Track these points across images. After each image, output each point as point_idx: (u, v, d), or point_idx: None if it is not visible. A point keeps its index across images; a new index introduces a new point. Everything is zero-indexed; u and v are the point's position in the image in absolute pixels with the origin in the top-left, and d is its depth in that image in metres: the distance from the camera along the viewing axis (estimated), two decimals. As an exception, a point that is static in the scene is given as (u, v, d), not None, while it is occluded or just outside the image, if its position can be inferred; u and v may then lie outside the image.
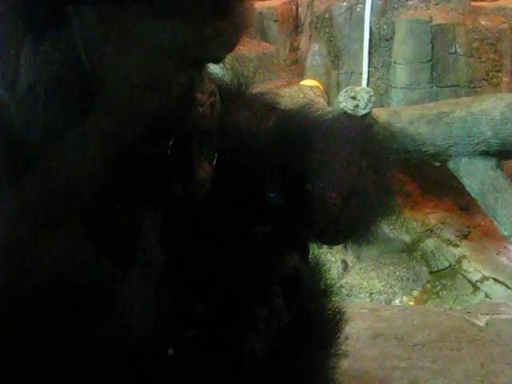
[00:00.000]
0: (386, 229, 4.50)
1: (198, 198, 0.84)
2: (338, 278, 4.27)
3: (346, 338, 1.11)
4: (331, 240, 1.07)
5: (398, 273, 4.42)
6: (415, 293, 4.33)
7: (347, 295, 4.16)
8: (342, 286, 4.20)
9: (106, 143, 0.73)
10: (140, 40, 0.71)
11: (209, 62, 0.82)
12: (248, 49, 6.36)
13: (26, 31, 0.71)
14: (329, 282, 1.10)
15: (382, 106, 5.08)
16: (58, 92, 0.71)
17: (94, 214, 0.75)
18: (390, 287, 4.33)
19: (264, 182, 0.94)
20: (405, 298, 4.29)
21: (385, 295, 4.28)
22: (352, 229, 1.03)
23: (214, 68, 0.93)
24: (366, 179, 1.01)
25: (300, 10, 6.08)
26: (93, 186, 0.74)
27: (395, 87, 5.14)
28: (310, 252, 1.08)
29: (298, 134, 0.99)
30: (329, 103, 5.26)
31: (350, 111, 4.19)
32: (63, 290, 0.73)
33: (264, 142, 0.95)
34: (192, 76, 0.79)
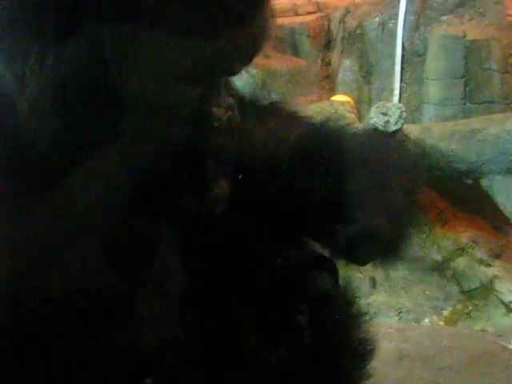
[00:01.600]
0: (417, 246, 4.43)
1: (216, 215, 0.82)
2: (366, 296, 4.21)
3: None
4: (360, 261, 1.04)
5: (427, 292, 4.33)
6: (445, 313, 4.24)
7: (375, 313, 4.09)
8: (369, 304, 4.13)
9: (116, 155, 0.71)
10: (153, 51, 0.70)
11: (225, 74, 0.80)
12: (279, 64, 6.38)
13: (32, 41, 0.69)
14: (360, 307, 1.07)
15: (414, 122, 5.03)
16: (64, 102, 0.70)
17: (109, 230, 0.74)
18: (420, 306, 4.25)
19: (292, 198, 0.92)
20: (434, 318, 4.20)
21: (414, 314, 4.20)
22: (381, 249, 1.00)
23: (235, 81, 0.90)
24: (397, 200, 0.98)
25: (332, 25, 6.07)
26: (104, 200, 0.72)
27: (427, 103, 5.08)
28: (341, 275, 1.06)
29: (327, 147, 0.96)
30: (360, 119, 5.22)
31: (380, 127, 4.16)
32: (82, 310, 0.72)
33: (289, 156, 0.93)
34: (208, 90, 0.77)
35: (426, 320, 4.18)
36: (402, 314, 4.19)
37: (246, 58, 0.79)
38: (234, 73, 0.81)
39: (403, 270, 4.34)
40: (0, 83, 0.72)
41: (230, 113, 0.81)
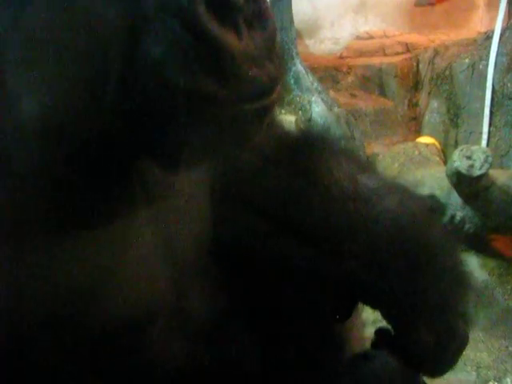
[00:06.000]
0: (501, 297, 4.18)
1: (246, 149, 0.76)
2: (443, 348, 3.98)
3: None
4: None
5: (511, 348, 4.05)
6: (530, 373, 3.94)
7: (451, 367, 3.86)
8: (445, 357, 3.90)
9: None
10: None
11: None
12: (365, 103, 6.32)
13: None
14: None
15: (502, 168, 4.81)
16: (44, 58, 0.63)
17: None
18: (501, 363, 3.97)
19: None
20: (517, 378, 3.92)
21: (494, 371, 3.93)
22: None
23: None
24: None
25: (421, 66, 5.98)
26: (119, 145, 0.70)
27: (517, 148, 4.86)
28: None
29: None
30: (444, 162, 5.06)
31: (463, 171, 3.99)
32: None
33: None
34: None
35: (508, 380, 3.90)
36: (480, 370, 3.93)
37: None
38: None
39: (484, 323, 4.09)
40: None
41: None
